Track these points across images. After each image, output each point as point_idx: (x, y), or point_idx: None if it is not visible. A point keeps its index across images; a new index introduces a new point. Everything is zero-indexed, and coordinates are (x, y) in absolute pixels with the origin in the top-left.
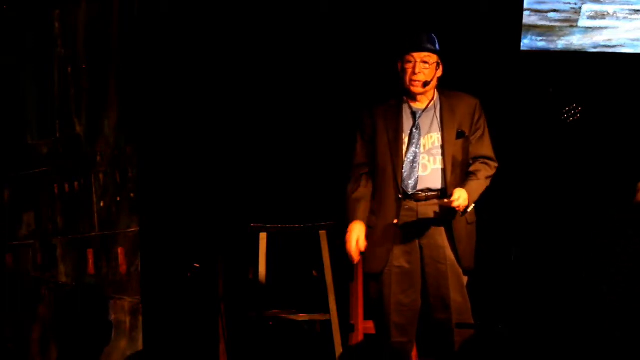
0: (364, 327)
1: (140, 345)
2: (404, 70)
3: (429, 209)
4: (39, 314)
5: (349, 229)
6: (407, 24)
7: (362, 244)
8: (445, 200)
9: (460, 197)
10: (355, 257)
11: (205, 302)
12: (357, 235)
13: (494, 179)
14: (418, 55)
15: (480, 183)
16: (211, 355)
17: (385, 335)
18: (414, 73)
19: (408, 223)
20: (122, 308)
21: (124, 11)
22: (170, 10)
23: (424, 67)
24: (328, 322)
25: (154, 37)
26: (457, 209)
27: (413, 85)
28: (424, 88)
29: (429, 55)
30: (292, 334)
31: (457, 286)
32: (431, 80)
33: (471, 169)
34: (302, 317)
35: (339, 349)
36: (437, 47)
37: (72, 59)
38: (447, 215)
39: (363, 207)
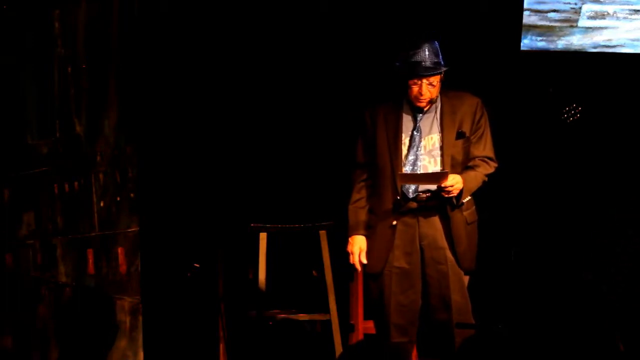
0: (364, 327)
1: (140, 345)
2: (409, 87)
3: (430, 211)
4: (39, 314)
5: (350, 242)
6: (408, 24)
7: (364, 258)
8: (442, 172)
9: (454, 180)
10: (359, 267)
11: (205, 302)
12: (358, 248)
13: (494, 179)
14: (424, 78)
15: (477, 175)
16: (211, 355)
17: (385, 335)
18: (420, 93)
19: (408, 224)
20: (122, 308)
21: (124, 11)
22: (170, 10)
23: (430, 88)
24: (328, 322)
25: (154, 37)
26: (448, 190)
27: (419, 102)
28: (429, 104)
29: (434, 77)
30: (292, 334)
31: (457, 286)
32: (437, 96)
33: (470, 164)
34: (302, 317)
35: (339, 349)
36: (441, 57)
37: (72, 59)
38: (444, 203)
39: (364, 219)
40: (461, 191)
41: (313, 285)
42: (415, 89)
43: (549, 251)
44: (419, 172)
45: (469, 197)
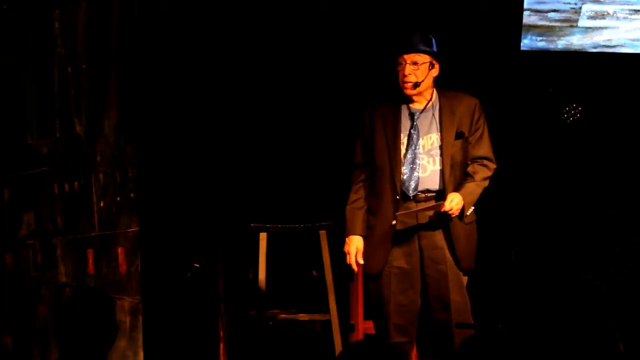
0: (364, 327)
1: (140, 345)
2: (397, 72)
3: (428, 210)
4: (39, 314)
5: (347, 242)
6: (407, 23)
7: (360, 258)
8: (438, 204)
9: (453, 201)
10: (355, 268)
11: (205, 302)
12: (355, 249)
13: (494, 179)
14: (408, 57)
15: (477, 185)
16: (211, 355)
17: (385, 335)
18: (404, 75)
19: (407, 224)
20: (122, 308)
21: (124, 11)
22: (170, 10)
23: (414, 69)
24: (328, 322)
25: (154, 37)
26: (450, 213)
27: (404, 87)
28: (415, 89)
29: (418, 56)
30: (292, 334)
31: (457, 286)
32: (422, 81)
33: (469, 170)
34: (302, 317)
35: (339, 349)
36: (433, 46)
37: (72, 59)
38: (445, 219)
39: (361, 219)
40: (463, 207)
41: (313, 285)
42: (400, 71)
43: (549, 251)
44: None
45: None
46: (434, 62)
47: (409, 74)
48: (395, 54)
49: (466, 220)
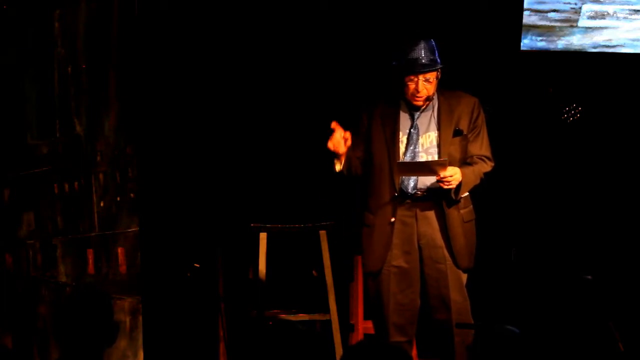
0: (364, 327)
1: (140, 345)
2: (405, 84)
3: (427, 208)
4: (39, 314)
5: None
6: (407, 23)
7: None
8: (442, 160)
9: (453, 171)
10: (339, 147)
11: (205, 302)
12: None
13: (494, 178)
14: (422, 75)
15: (475, 170)
16: (211, 355)
17: (384, 335)
18: (417, 90)
19: (406, 223)
20: (122, 308)
21: (124, 11)
22: (170, 10)
23: (426, 85)
24: (328, 322)
25: (154, 37)
26: (447, 180)
27: (415, 100)
28: (426, 102)
29: (431, 73)
30: (292, 334)
31: (456, 285)
32: (433, 93)
33: (468, 161)
34: (302, 317)
35: (339, 349)
36: (437, 54)
37: (72, 59)
38: (441, 201)
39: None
40: (459, 184)
41: (313, 285)
42: (411, 86)
43: (550, 251)
44: (417, 160)
45: (467, 194)
46: (439, 70)
47: (422, 90)
48: (406, 74)
49: (465, 218)
